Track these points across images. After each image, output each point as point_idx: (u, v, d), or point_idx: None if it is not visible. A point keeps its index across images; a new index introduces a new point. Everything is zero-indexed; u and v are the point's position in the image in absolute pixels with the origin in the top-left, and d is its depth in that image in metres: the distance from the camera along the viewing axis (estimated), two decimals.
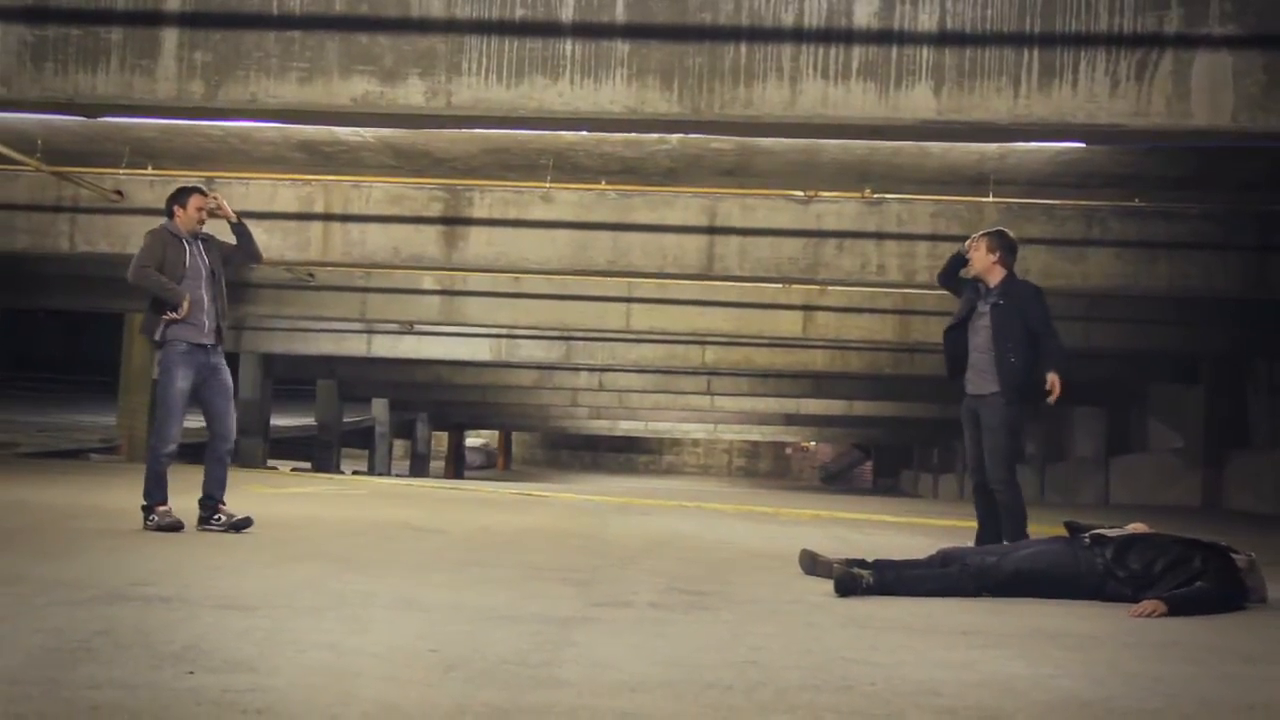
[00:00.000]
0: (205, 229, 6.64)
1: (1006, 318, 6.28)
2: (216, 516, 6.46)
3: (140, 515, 6.42)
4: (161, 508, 6.37)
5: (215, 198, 6.65)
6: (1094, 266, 10.82)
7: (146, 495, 6.43)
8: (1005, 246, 6.38)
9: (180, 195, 6.61)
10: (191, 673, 2.98)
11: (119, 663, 3.07)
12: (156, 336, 6.47)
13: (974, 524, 6.57)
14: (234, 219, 6.72)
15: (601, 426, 41.46)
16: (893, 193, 10.62)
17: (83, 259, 13.96)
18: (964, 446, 6.55)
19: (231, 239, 6.77)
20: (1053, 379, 6.19)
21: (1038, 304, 6.39)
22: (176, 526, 6.31)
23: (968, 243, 6.45)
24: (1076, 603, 4.89)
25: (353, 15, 5.17)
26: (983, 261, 6.38)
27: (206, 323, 6.50)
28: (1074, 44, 5.00)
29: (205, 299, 6.51)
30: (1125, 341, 15.41)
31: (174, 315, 6.37)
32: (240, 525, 6.45)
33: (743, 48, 5.08)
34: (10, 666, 2.98)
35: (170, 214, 6.60)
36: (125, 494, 9.18)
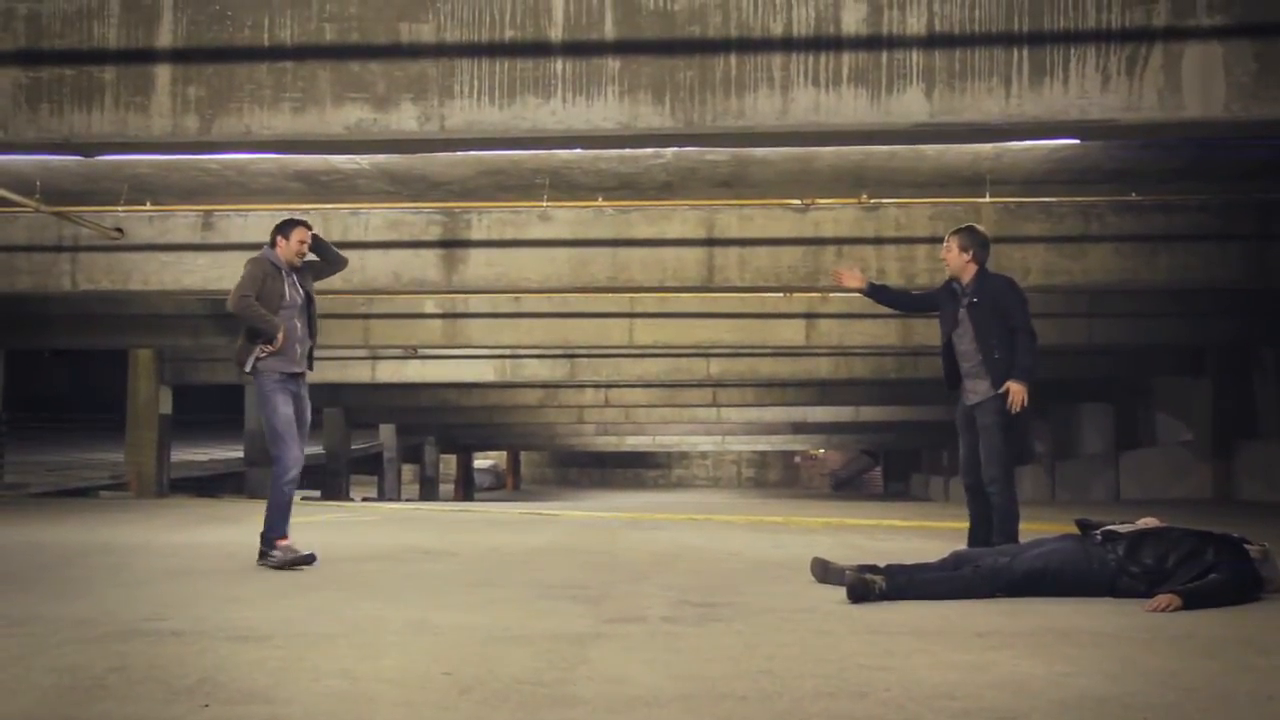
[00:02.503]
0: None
1: (984, 316, 6.25)
2: (272, 554, 6.35)
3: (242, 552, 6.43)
4: (284, 542, 6.28)
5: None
6: (1094, 262, 10.81)
7: (271, 528, 6.31)
8: (977, 243, 6.38)
9: (285, 227, 6.62)
10: (207, 705, 2.98)
11: (133, 698, 3.07)
12: (248, 368, 6.42)
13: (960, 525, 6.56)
14: (319, 243, 6.76)
15: (609, 443, 41.41)
16: (889, 197, 10.62)
17: (85, 297, 14.03)
18: (960, 450, 6.55)
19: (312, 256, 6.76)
20: (1015, 390, 6.03)
21: (1012, 295, 6.30)
22: (306, 561, 6.21)
23: (944, 250, 6.46)
24: (1090, 600, 4.88)
25: (343, 44, 5.19)
26: (956, 261, 6.39)
27: (299, 350, 6.51)
28: (1063, 41, 5.01)
29: (299, 328, 6.52)
30: (1129, 336, 15.38)
31: (269, 348, 6.34)
32: (304, 560, 6.29)
33: (733, 59, 5.09)
34: (25, 706, 2.98)
35: (272, 244, 6.60)
36: (136, 530, 9.18)
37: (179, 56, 5.22)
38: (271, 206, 11.11)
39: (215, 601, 4.93)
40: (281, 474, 6.38)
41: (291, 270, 6.60)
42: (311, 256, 6.73)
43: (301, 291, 6.62)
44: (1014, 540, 5.92)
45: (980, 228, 6.53)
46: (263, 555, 6.30)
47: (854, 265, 6.53)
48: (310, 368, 6.64)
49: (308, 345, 6.60)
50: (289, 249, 6.59)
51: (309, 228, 6.68)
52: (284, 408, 6.39)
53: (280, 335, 6.35)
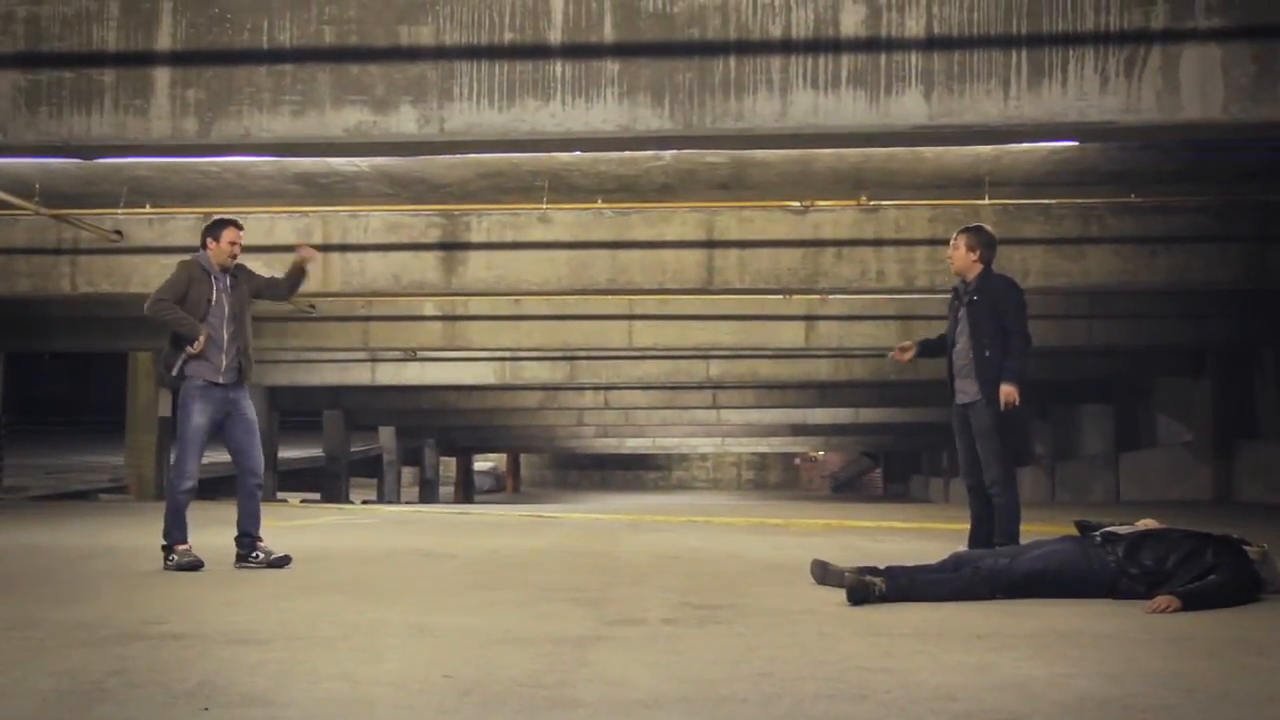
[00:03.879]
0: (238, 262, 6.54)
1: (981, 315, 6.26)
2: (255, 554, 6.35)
3: (160, 555, 6.35)
4: (181, 546, 6.27)
5: (305, 249, 6.65)
6: (1093, 264, 10.82)
7: (166, 534, 6.32)
8: (984, 242, 6.39)
9: (214, 228, 6.49)
10: (206, 709, 2.98)
11: (133, 702, 3.06)
12: (174, 372, 6.35)
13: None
14: (303, 273, 6.76)
15: (609, 445, 41.44)
16: (888, 199, 10.64)
17: (85, 300, 14.01)
18: (958, 451, 6.57)
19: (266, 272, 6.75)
20: (1005, 391, 6.05)
21: (1011, 296, 6.31)
22: (196, 565, 6.19)
23: (950, 247, 6.46)
24: (1090, 601, 4.88)
25: (343, 46, 5.19)
26: (963, 260, 6.40)
27: (224, 360, 6.36)
28: (1062, 43, 5.01)
29: (225, 337, 6.37)
30: (1129, 337, 15.40)
31: (191, 350, 6.25)
32: (279, 563, 6.32)
33: (732, 61, 5.09)
34: (25, 710, 2.98)
35: (203, 245, 6.48)
36: (136, 533, 9.18)
37: (178, 59, 5.22)
38: (271, 208, 11.13)
39: (215, 605, 4.93)
40: (178, 482, 6.36)
41: (225, 274, 6.46)
42: (270, 271, 6.75)
43: (230, 298, 6.45)
44: (1015, 541, 5.94)
45: (989, 228, 6.54)
46: (165, 559, 6.29)
47: (905, 343, 6.53)
48: (241, 379, 6.46)
49: (235, 356, 6.41)
50: (219, 250, 6.44)
51: (240, 228, 6.55)
52: (198, 417, 6.31)
53: (201, 339, 6.23)
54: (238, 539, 6.43)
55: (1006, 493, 6.15)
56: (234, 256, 6.48)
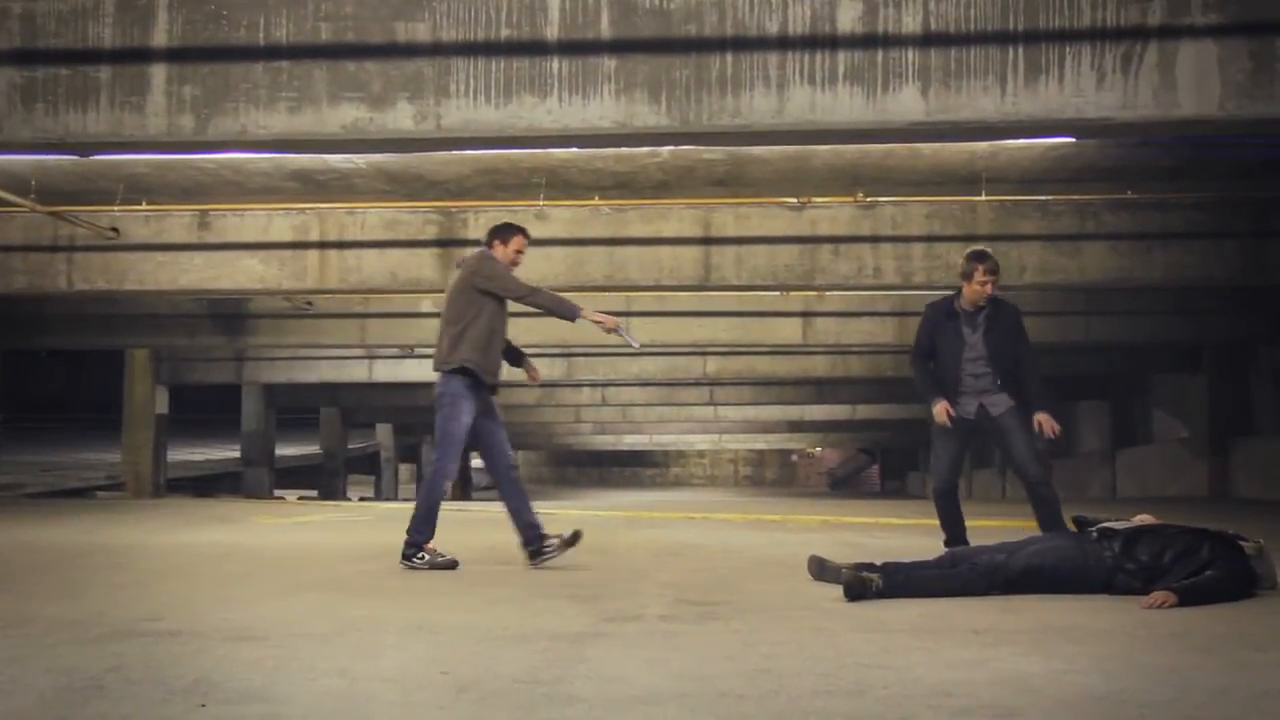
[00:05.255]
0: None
1: (999, 341, 6.45)
2: (549, 543, 6.24)
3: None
4: (431, 545, 6.17)
5: (611, 321, 6.42)
6: (1090, 260, 10.82)
7: (417, 532, 6.17)
8: (994, 270, 6.41)
9: (506, 231, 6.45)
10: (203, 705, 2.98)
11: (130, 698, 3.06)
12: (459, 367, 6.22)
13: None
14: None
15: (606, 442, 41.42)
16: (885, 195, 10.63)
17: (81, 297, 14.00)
18: (941, 455, 6.66)
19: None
20: (1046, 420, 6.32)
21: (1020, 320, 6.55)
22: (453, 564, 6.10)
23: (974, 278, 6.41)
24: (1087, 597, 4.89)
25: (339, 43, 5.18)
26: (979, 293, 6.40)
27: (500, 361, 6.43)
28: (1058, 40, 5.01)
29: (501, 338, 6.39)
30: (1126, 334, 15.40)
31: (599, 320, 6.25)
32: (572, 539, 6.22)
33: (729, 57, 5.09)
34: (22, 707, 2.98)
35: (489, 244, 6.46)
36: (132, 531, 9.18)
37: (174, 56, 5.21)
38: (267, 205, 11.11)
39: (212, 602, 4.93)
40: (441, 480, 6.27)
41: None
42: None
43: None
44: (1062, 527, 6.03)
45: (988, 250, 6.61)
46: (408, 559, 6.14)
47: (944, 408, 6.58)
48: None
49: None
50: (504, 254, 6.42)
51: (528, 238, 6.51)
52: (465, 418, 6.20)
53: (595, 315, 6.24)
54: (528, 535, 6.29)
55: (1051, 485, 6.44)
56: (515, 264, 6.44)
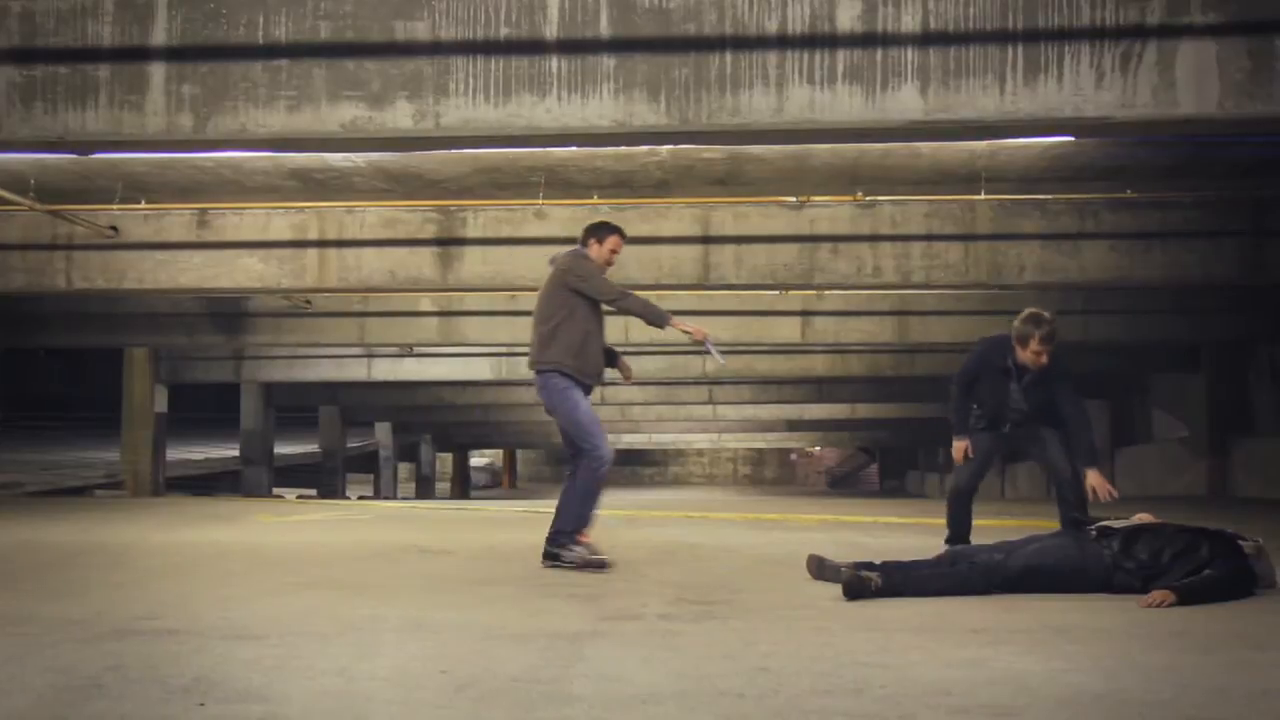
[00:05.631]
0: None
1: (1042, 404, 6.46)
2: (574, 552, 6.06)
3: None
4: (586, 539, 5.99)
5: (700, 332, 6.27)
6: (1089, 259, 10.82)
7: (574, 521, 5.99)
8: (1049, 339, 6.34)
9: (602, 230, 6.32)
10: (202, 704, 2.98)
11: (129, 697, 3.06)
12: (559, 367, 6.10)
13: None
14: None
15: None
16: (885, 194, 10.63)
17: (80, 296, 14.00)
18: (967, 460, 6.62)
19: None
20: (1098, 483, 6.18)
21: (1068, 389, 6.45)
22: (605, 564, 5.88)
23: (1029, 345, 6.33)
24: (1085, 596, 4.89)
25: (339, 42, 5.18)
26: (1032, 361, 6.35)
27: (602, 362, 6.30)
28: (1057, 38, 5.01)
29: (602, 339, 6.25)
30: (1125, 333, 15.40)
31: (701, 334, 6.14)
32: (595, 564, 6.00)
33: (728, 56, 5.09)
34: (20, 706, 2.98)
35: (584, 243, 6.33)
36: (131, 529, 9.18)
37: (173, 55, 5.21)
38: (267, 204, 11.11)
39: (210, 600, 4.93)
40: (602, 465, 6.06)
41: None
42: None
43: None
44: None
45: (1047, 314, 6.45)
46: (562, 548, 5.98)
47: (963, 446, 6.63)
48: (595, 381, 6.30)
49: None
50: (600, 253, 6.28)
51: (624, 238, 6.37)
52: (584, 400, 6.11)
53: (683, 324, 6.16)
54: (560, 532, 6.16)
55: (1082, 484, 6.38)
56: (610, 264, 6.33)
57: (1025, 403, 6.45)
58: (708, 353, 6.33)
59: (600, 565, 5.91)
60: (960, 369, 6.72)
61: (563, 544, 5.98)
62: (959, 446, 6.61)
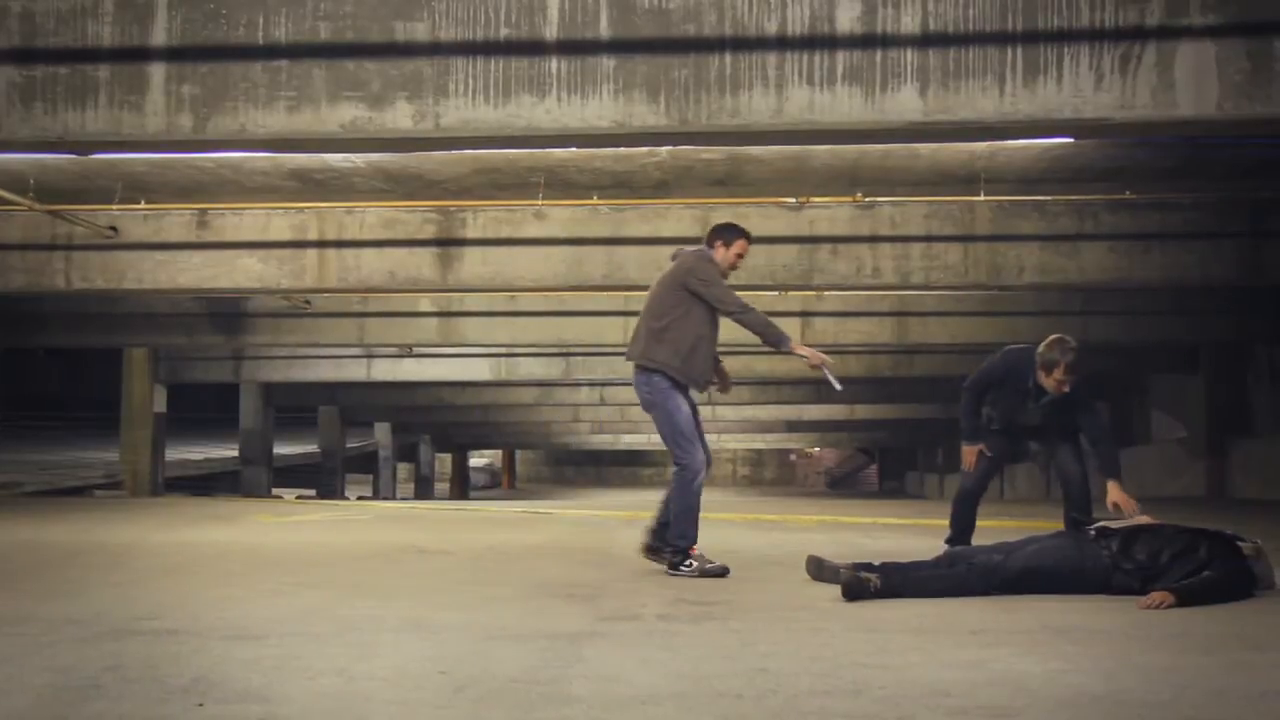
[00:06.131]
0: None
1: (1054, 425, 6.46)
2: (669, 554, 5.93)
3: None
4: (696, 550, 5.81)
5: (818, 358, 5.98)
6: (1088, 260, 10.83)
7: (682, 536, 5.82)
8: (1073, 369, 6.25)
9: (729, 232, 6.12)
10: (201, 704, 2.98)
11: (128, 697, 3.06)
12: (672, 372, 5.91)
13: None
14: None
15: (604, 441, 41.39)
16: (884, 195, 10.63)
17: (79, 296, 14.00)
18: (976, 461, 6.62)
19: None
20: (1120, 498, 6.07)
21: (1086, 407, 6.43)
22: (724, 571, 5.75)
23: (1053, 373, 6.26)
24: (1084, 597, 4.89)
25: (338, 42, 5.18)
26: (1055, 388, 6.30)
27: (711, 368, 6.13)
28: (1057, 40, 5.01)
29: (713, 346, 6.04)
30: (1124, 334, 15.41)
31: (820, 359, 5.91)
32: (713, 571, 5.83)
33: (727, 57, 5.09)
34: (19, 707, 2.98)
35: (709, 244, 6.14)
36: (130, 530, 9.17)
37: (173, 55, 5.21)
38: (266, 205, 11.11)
39: (209, 601, 4.93)
40: (696, 476, 5.89)
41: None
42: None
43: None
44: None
45: (1070, 341, 6.38)
46: (674, 566, 5.82)
47: (973, 452, 6.63)
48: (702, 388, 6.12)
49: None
50: (725, 257, 6.09)
51: (750, 241, 6.17)
52: (685, 405, 5.93)
53: (804, 350, 5.94)
54: (662, 532, 6.02)
55: (1088, 488, 6.46)
56: (735, 269, 6.18)
57: (1040, 421, 6.43)
58: (825, 379, 6.05)
59: (719, 573, 5.75)
60: (976, 374, 6.63)
61: (676, 564, 5.84)
62: (969, 452, 6.57)
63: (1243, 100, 4.92)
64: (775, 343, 5.97)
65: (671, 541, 5.88)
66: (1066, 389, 6.29)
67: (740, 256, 6.15)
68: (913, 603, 4.77)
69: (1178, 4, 4.92)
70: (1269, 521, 10.02)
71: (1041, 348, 6.36)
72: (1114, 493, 6.09)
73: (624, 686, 3.23)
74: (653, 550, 6.06)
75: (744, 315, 5.95)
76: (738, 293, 6.20)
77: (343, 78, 5.18)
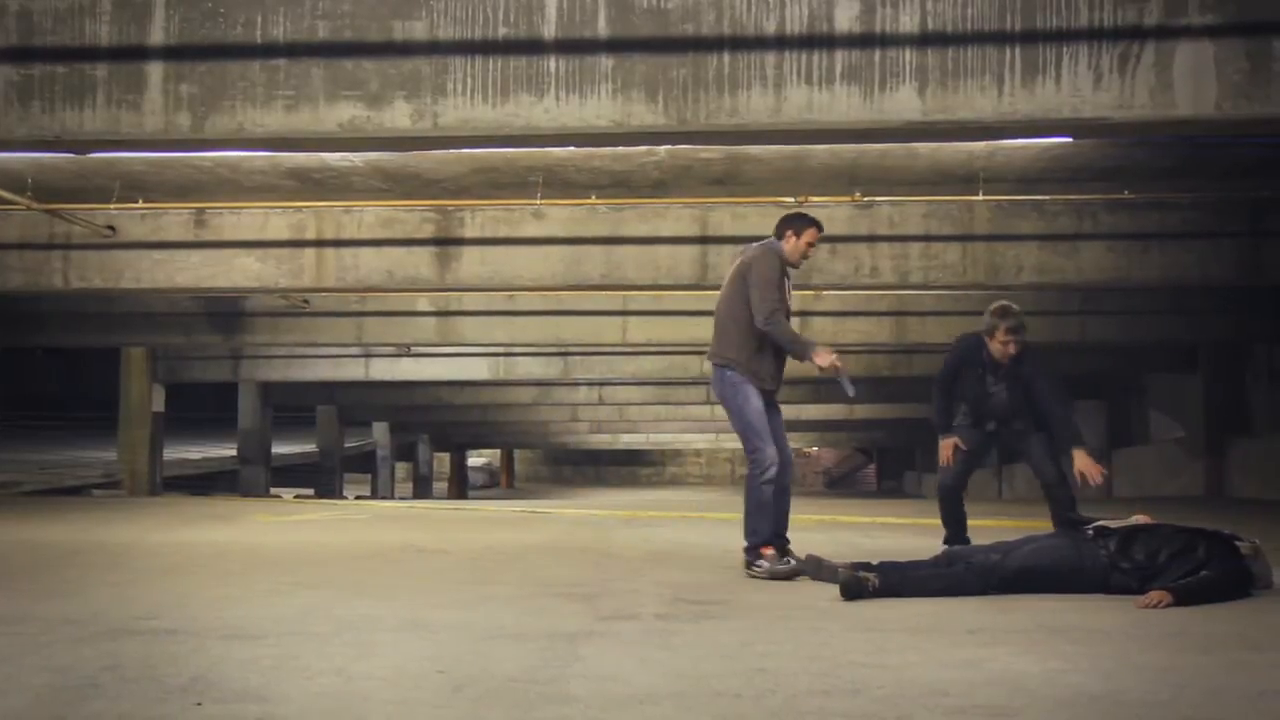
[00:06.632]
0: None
1: (1019, 401, 6.47)
2: (786, 559, 5.81)
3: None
4: (770, 551, 5.71)
5: (835, 364, 5.82)
6: (1087, 260, 10.83)
7: (753, 533, 5.76)
8: (1015, 330, 6.35)
9: (799, 222, 6.03)
10: (199, 704, 2.98)
11: (126, 697, 3.06)
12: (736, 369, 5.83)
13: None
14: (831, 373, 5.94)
15: (603, 441, 41.39)
16: (882, 195, 10.63)
17: (77, 296, 13.99)
18: (953, 456, 6.65)
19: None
20: (1086, 465, 6.12)
21: (1048, 380, 6.46)
22: (794, 574, 5.59)
23: (995, 336, 6.37)
24: (1082, 596, 4.89)
25: (337, 41, 5.18)
26: (1001, 352, 6.38)
27: (777, 365, 6.01)
28: (1055, 39, 5.02)
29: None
30: (1122, 333, 15.41)
31: (821, 362, 5.75)
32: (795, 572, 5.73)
33: (726, 57, 5.09)
34: (17, 706, 2.98)
35: (780, 235, 6.06)
36: (128, 529, 9.17)
37: (171, 54, 5.21)
38: (264, 204, 11.10)
39: (208, 600, 4.93)
40: (763, 470, 5.79)
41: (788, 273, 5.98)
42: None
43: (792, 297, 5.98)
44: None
45: (1014, 306, 6.47)
46: (749, 564, 5.77)
47: (950, 445, 6.68)
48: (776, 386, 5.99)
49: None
50: (796, 248, 6.01)
51: (821, 230, 6.04)
52: (756, 400, 5.83)
53: (828, 357, 5.75)
54: (752, 539, 5.87)
55: (1068, 484, 6.40)
56: (806, 258, 6.12)
57: (1004, 397, 6.44)
58: (840, 384, 5.97)
59: (788, 575, 5.63)
60: (940, 370, 6.76)
61: (748, 561, 5.79)
62: (945, 444, 6.63)
63: (1241, 100, 4.92)
64: (800, 354, 5.90)
65: (747, 539, 5.81)
66: (1012, 350, 6.36)
67: (811, 245, 6.08)
68: (911, 602, 4.77)
69: (1176, 4, 4.92)
70: (1267, 521, 10.02)
71: (985, 316, 6.46)
72: (1079, 460, 6.13)
73: (622, 686, 3.23)
74: (746, 565, 5.90)
75: (771, 323, 5.85)
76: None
77: (341, 77, 5.18)
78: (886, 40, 5.04)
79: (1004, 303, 6.49)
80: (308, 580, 5.64)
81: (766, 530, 5.78)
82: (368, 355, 19.97)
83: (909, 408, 26.74)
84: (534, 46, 5.10)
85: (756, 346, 5.93)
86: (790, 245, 6.05)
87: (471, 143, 5.70)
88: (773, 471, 5.81)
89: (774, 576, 5.64)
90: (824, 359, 5.81)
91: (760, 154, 9.37)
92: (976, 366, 6.52)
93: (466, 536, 8.69)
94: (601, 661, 3.56)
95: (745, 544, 5.84)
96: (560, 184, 10.25)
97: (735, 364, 5.92)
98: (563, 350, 18.96)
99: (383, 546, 7.73)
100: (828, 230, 10.89)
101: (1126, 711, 3.00)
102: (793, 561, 5.76)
